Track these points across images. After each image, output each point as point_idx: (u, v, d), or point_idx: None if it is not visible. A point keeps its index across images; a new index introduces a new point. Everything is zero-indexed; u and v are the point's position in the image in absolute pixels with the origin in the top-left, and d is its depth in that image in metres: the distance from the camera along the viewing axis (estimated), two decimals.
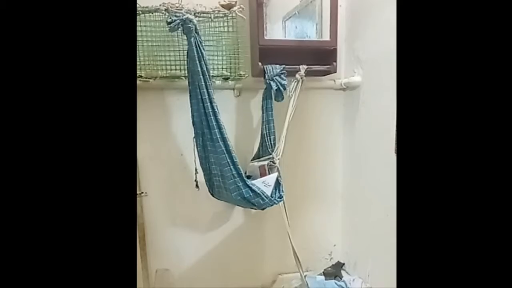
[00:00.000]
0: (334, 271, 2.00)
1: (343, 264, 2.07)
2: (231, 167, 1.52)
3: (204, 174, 1.67)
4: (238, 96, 1.83)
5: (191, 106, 1.55)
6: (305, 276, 1.89)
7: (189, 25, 1.43)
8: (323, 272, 2.00)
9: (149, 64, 1.64)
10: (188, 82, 1.54)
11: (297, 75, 1.67)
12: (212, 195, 1.72)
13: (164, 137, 1.78)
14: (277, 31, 1.83)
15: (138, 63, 1.62)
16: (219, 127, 1.51)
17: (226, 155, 1.51)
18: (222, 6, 1.58)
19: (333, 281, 1.91)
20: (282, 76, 1.64)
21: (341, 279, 1.95)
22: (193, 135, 1.59)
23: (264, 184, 1.61)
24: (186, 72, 1.57)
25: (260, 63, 1.64)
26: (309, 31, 1.83)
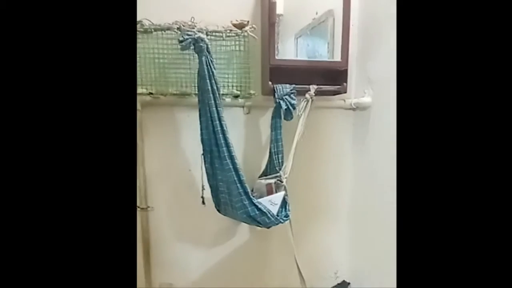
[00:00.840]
0: None
1: (349, 283, 2.05)
2: (238, 185, 1.52)
3: (211, 191, 1.67)
4: (247, 113, 1.84)
5: (200, 124, 1.56)
6: None
7: (201, 44, 1.45)
8: None
9: (160, 81, 1.66)
10: (198, 100, 1.55)
11: (307, 95, 1.67)
12: (219, 211, 1.72)
13: (173, 152, 1.79)
14: (289, 47, 1.83)
15: (149, 79, 1.64)
16: (227, 145, 1.51)
17: (234, 173, 1.52)
18: (234, 25, 1.59)
19: None
20: (292, 95, 1.64)
21: None
22: (202, 151, 1.60)
23: (271, 203, 1.61)
24: (196, 89, 1.58)
25: (270, 82, 1.64)
26: (321, 50, 1.83)
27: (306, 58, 1.83)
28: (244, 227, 1.93)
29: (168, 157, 1.78)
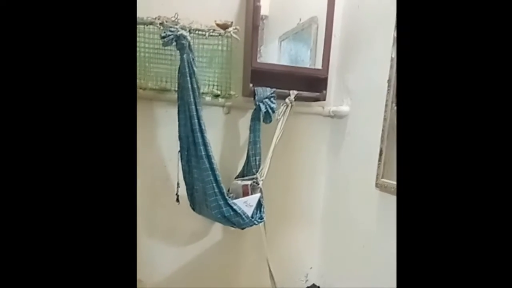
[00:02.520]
0: None
1: (318, 287, 2.07)
2: (214, 184, 1.52)
3: (186, 188, 1.67)
4: (227, 113, 1.84)
5: (178, 121, 1.56)
6: None
7: (183, 42, 1.44)
8: None
9: (140, 75, 1.63)
10: (178, 97, 1.55)
11: (286, 100, 1.68)
12: (193, 209, 1.72)
13: (149, 147, 1.77)
14: (272, 50, 1.85)
15: None
16: (205, 145, 1.51)
17: (210, 172, 1.52)
18: (218, 25, 1.59)
19: None
20: (272, 99, 1.66)
21: None
22: (179, 149, 1.59)
23: (246, 204, 1.61)
24: (176, 86, 1.57)
25: (251, 85, 1.65)
26: (303, 55, 1.85)
27: (288, 63, 1.84)
28: (218, 226, 1.93)
29: (143, 152, 1.76)
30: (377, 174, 1.47)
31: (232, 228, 1.68)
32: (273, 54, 1.84)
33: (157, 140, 1.78)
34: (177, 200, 1.72)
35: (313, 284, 2.10)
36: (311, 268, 2.13)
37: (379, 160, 1.46)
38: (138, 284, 1.86)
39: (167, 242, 1.90)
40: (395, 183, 1.37)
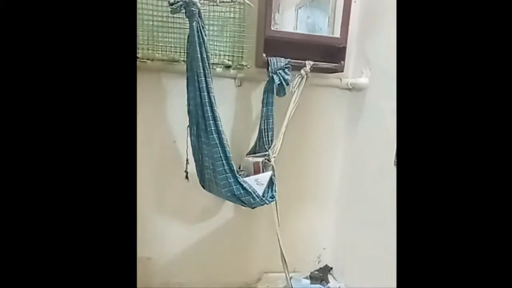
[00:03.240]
0: (321, 275, 1.95)
1: (331, 268, 2.02)
2: (224, 161, 1.45)
3: (196, 165, 1.61)
4: (239, 86, 1.75)
5: (187, 93, 1.49)
6: (290, 278, 1.84)
7: (192, 8, 1.35)
8: (309, 275, 1.95)
9: (147, 45, 1.56)
10: (187, 68, 1.47)
11: (302, 71, 1.58)
12: (203, 187, 1.66)
13: (158, 121, 1.71)
14: (288, 18, 1.73)
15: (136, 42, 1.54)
16: (215, 119, 1.43)
17: (220, 149, 1.45)
18: None
19: (318, 285, 1.85)
20: (286, 70, 1.56)
21: (326, 283, 1.89)
22: (188, 123, 1.53)
23: (257, 182, 1.54)
24: (185, 56, 1.49)
25: (264, 55, 1.55)
26: (321, 23, 1.73)
27: (305, 31, 1.73)
28: (229, 205, 1.87)
29: (152, 126, 1.70)
30: (397, 151, 1.37)
31: (244, 207, 1.62)
32: (289, 22, 1.73)
33: (166, 114, 1.72)
34: (186, 177, 1.68)
35: (326, 265, 2.04)
36: (324, 249, 2.07)
37: None
38: (148, 263, 1.83)
39: (176, 220, 1.86)
40: None
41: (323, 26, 1.73)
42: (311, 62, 1.59)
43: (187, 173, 1.66)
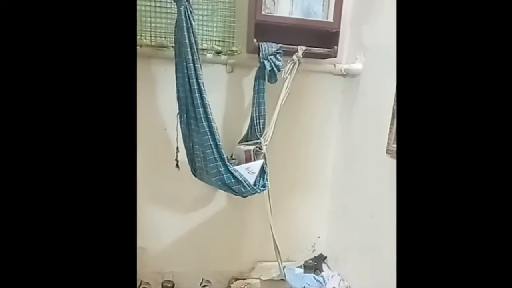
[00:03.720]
0: (315, 264, 1.92)
1: (325, 257, 2.00)
2: (214, 150, 1.43)
3: (187, 153, 1.59)
4: (230, 72, 1.71)
5: (176, 80, 1.46)
6: (284, 267, 1.83)
7: None
8: (303, 264, 1.93)
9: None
10: (175, 54, 1.44)
11: (294, 56, 1.54)
12: (194, 175, 1.64)
13: (148, 108, 1.67)
14: (284, 2, 1.68)
15: None
16: (204, 106, 1.41)
17: (209, 137, 1.42)
18: None
19: (311, 274, 1.83)
20: (278, 56, 1.52)
21: (320, 272, 1.88)
22: (178, 110, 1.50)
23: (248, 171, 1.52)
24: (174, 42, 1.46)
25: (255, 40, 1.52)
26: (316, 7, 1.68)
27: (301, 15, 1.67)
28: (222, 194, 1.84)
29: (142, 114, 1.64)
30: (388, 140, 1.35)
31: (236, 196, 1.60)
32: (285, 5, 1.67)
33: (156, 101, 1.69)
34: (177, 165, 1.65)
35: (321, 254, 2.02)
36: (318, 237, 2.05)
37: (391, 123, 1.33)
38: (141, 252, 1.82)
39: (169, 209, 1.84)
40: None
41: (317, 10, 1.67)
42: (303, 47, 1.54)
43: (177, 161, 1.64)
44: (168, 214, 1.84)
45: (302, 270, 1.88)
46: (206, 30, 1.58)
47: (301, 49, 1.54)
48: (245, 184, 1.47)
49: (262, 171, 1.55)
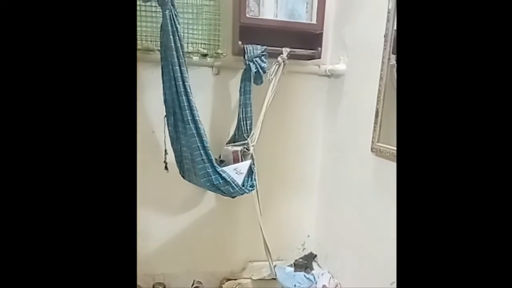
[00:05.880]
0: (305, 263, 1.95)
1: (315, 255, 2.02)
2: (201, 151, 1.45)
3: (175, 155, 1.60)
4: (216, 74, 1.73)
5: (163, 83, 1.47)
6: (274, 266, 1.85)
7: None
8: (293, 263, 1.95)
9: None
10: (161, 57, 1.45)
11: (279, 58, 1.56)
12: (183, 177, 1.66)
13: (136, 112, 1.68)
14: (269, 3, 1.70)
15: None
16: (191, 109, 1.43)
17: (197, 138, 1.44)
18: None
19: (302, 273, 1.85)
20: (263, 58, 1.54)
21: (311, 271, 1.90)
22: (165, 113, 1.51)
23: (236, 172, 1.54)
24: (159, 45, 1.47)
25: (240, 42, 1.54)
26: (300, 9, 1.71)
27: (286, 18, 1.70)
28: (211, 194, 1.86)
29: None
30: (373, 138, 1.38)
31: (225, 197, 1.61)
32: (269, 8, 1.70)
33: (144, 104, 1.70)
34: (166, 167, 1.66)
35: (311, 252, 2.04)
36: (308, 236, 2.07)
37: (375, 122, 1.36)
38: None
39: (158, 211, 1.85)
40: (391, 147, 1.27)
41: (301, 13, 1.70)
42: (288, 49, 1.57)
43: (166, 163, 1.65)
44: (158, 216, 1.85)
45: (292, 269, 1.90)
46: (192, 33, 1.59)
47: (285, 51, 1.57)
48: (233, 184, 1.49)
49: (250, 171, 1.57)
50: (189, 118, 1.42)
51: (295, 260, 1.97)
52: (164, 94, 1.48)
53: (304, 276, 1.84)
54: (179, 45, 1.39)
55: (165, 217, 1.86)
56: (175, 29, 1.37)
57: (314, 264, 1.99)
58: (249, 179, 1.58)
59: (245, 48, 1.53)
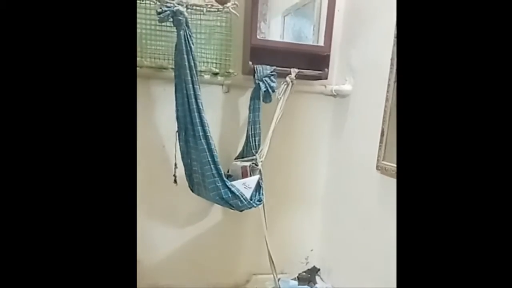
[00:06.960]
0: (309, 276, 1.98)
1: (319, 269, 2.06)
2: (212, 166, 1.49)
3: (185, 169, 1.65)
4: (226, 92, 1.79)
5: (176, 100, 1.52)
6: (278, 279, 1.88)
7: (180, 18, 1.39)
8: (297, 276, 1.98)
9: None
10: (175, 75, 1.51)
11: (287, 78, 1.62)
12: (192, 190, 1.70)
13: (147, 127, 1.73)
14: (275, 26, 1.78)
15: None
16: (203, 125, 1.48)
17: (208, 153, 1.49)
18: (216, 0, 1.53)
19: (306, 287, 1.89)
20: (272, 77, 1.60)
21: (314, 284, 1.93)
22: (176, 128, 1.56)
23: (245, 186, 1.58)
24: (173, 63, 1.52)
25: (250, 62, 1.60)
26: (307, 31, 1.78)
27: (292, 39, 1.78)
28: (217, 208, 1.90)
29: (142, 131, 1.72)
30: (378, 156, 1.43)
31: (232, 210, 1.65)
32: (276, 30, 1.78)
33: (155, 119, 1.75)
34: (175, 181, 1.70)
35: (314, 266, 2.07)
36: (311, 250, 2.11)
37: (381, 141, 1.41)
38: (137, 265, 1.85)
39: (166, 223, 1.89)
40: (395, 165, 1.32)
41: (308, 35, 1.77)
42: (296, 70, 1.63)
43: (175, 177, 1.69)
44: (165, 228, 1.88)
45: (296, 283, 1.94)
46: (204, 53, 1.65)
47: (294, 71, 1.63)
48: (242, 198, 1.53)
49: (258, 186, 1.61)
50: (200, 133, 1.47)
51: (299, 274, 2.01)
52: (177, 110, 1.53)
53: None
54: (192, 64, 1.44)
55: (171, 229, 1.90)
56: (189, 48, 1.43)
57: (317, 278, 2.02)
58: (257, 193, 1.62)
59: (255, 68, 1.59)
